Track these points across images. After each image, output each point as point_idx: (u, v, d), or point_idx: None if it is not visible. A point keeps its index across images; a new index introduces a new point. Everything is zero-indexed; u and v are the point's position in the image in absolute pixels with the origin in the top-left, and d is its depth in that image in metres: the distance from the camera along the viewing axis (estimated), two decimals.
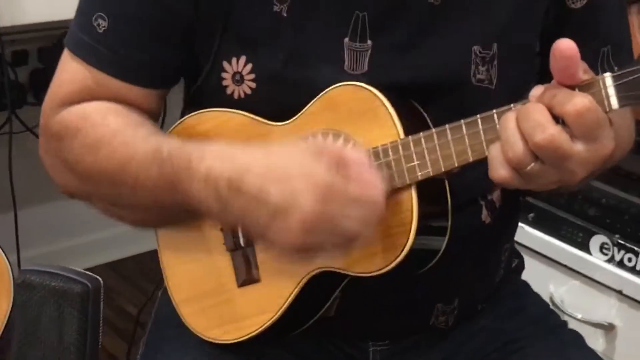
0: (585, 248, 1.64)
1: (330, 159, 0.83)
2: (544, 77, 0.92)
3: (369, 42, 0.97)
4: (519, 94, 0.89)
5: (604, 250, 1.61)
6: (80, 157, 0.98)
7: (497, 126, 0.85)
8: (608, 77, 0.80)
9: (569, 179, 0.82)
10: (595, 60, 1.00)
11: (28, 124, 2.02)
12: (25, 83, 2.07)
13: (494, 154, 0.82)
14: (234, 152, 0.88)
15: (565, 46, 0.78)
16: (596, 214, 1.64)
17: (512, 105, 0.85)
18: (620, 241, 1.59)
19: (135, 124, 0.98)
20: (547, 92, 0.81)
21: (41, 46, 2.03)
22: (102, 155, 0.96)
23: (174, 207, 0.93)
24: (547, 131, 0.78)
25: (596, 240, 1.62)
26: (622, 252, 1.58)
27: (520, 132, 0.80)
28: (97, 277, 1.06)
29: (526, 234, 1.67)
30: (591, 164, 0.81)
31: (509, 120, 0.81)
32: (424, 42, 0.98)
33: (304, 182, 0.81)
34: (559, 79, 0.81)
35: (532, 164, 0.80)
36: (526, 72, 1.03)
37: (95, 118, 0.98)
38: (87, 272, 1.06)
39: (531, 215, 1.69)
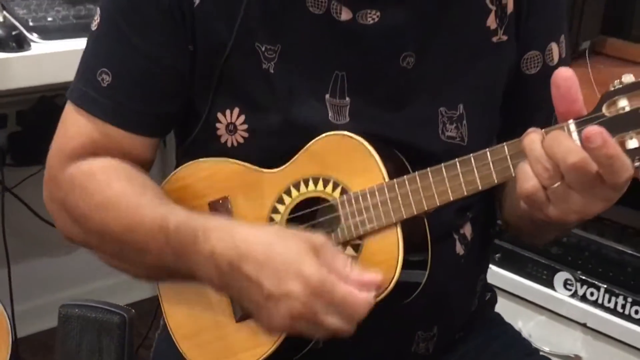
0: (550, 284, 1.73)
1: (323, 259, 0.91)
2: (504, 137, 1.02)
3: (347, 98, 1.05)
4: None
5: (568, 286, 1.70)
6: (88, 214, 1.05)
7: (475, 169, 0.94)
8: (572, 123, 0.88)
9: (589, 210, 0.87)
10: (548, 122, 1.03)
11: (7, 185, 2.07)
12: (4, 145, 2.11)
13: (524, 168, 0.88)
14: (238, 234, 0.95)
15: (563, 71, 0.86)
16: (558, 252, 1.73)
17: (487, 150, 0.93)
18: (582, 277, 1.68)
19: (139, 188, 1.05)
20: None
21: (19, 110, 2.08)
22: (109, 217, 1.03)
23: (177, 271, 1.01)
24: (580, 154, 0.84)
25: (560, 277, 1.72)
26: (585, 287, 1.68)
27: (549, 155, 0.86)
28: (130, 308, 1.13)
29: (494, 273, 1.75)
30: (609, 202, 0.87)
31: (535, 142, 0.87)
32: (396, 102, 1.06)
33: (296, 282, 0.90)
34: (564, 107, 0.87)
35: (559, 183, 0.86)
36: (492, 132, 1.12)
37: (101, 178, 1.05)
38: (120, 305, 1.13)
39: (498, 255, 1.78)
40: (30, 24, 1.65)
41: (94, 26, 1.08)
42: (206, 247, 0.95)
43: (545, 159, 0.86)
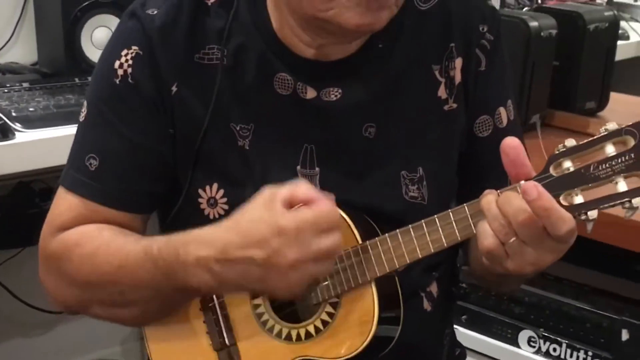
0: (515, 343, 1.81)
1: (282, 204, 0.99)
2: (463, 194, 1.12)
3: (317, 168, 1.15)
4: (445, 208, 1.07)
5: (532, 343, 1.79)
6: (81, 268, 1.12)
7: (440, 228, 1.04)
8: (524, 183, 0.97)
9: (542, 262, 0.97)
10: (502, 178, 1.10)
11: None
12: None
13: (483, 227, 0.98)
14: (210, 235, 1.04)
15: (510, 140, 0.97)
16: (521, 311, 1.82)
17: (449, 210, 1.03)
18: (545, 334, 1.77)
19: (125, 233, 1.13)
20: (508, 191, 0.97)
21: None
22: (100, 261, 1.10)
23: (171, 294, 1.08)
24: (528, 211, 0.94)
25: (524, 335, 1.80)
26: (548, 343, 1.76)
27: (503, 213, 0.96)
28: None
29: (461, 334, 1.82)
30: (559, 253, 0.97)
31: (491, 203, 0.97)
32: (362, 168, 1.16)
33: (276, 237, 0.98)
34: (514, 171, 0.97)
35: (514, 238, 0.95)
36: (450, 190, 1.22)
37: (91, 233, 1.13)
38: None
39: (464, 317, 1.86)
40: (13, 114, 1.72)
41: (81, 117, 1.17)
42: (189, 258, 1.03)
43: (500, 217, 0.96)
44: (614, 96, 2.35)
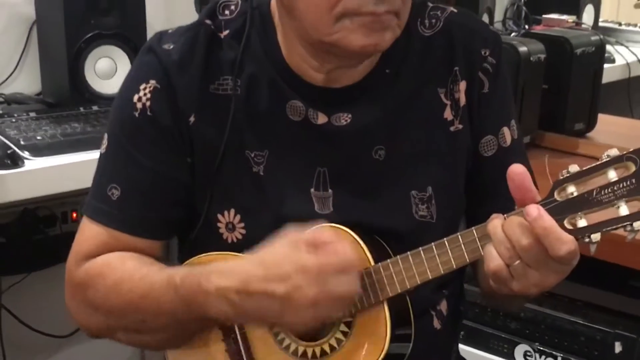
0: (511, 357, 1.86)
1: (306, 246, 1.04)
2: (471, 212, 1.16)
3: (330, 190, 1.20)
4: (454, 226, 1.13)
5: (528, 357, 1.84)
6: (106, 297, 1.16)
7: (449, 251, 1.09)
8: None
9: (546, 283, 1.02)
10: (503, 199, 1.12)
11: None
12: None
13: (489, 250, 1.03)
14: (233, 267, 1.09)
15: (515, 167, 1.02)
16: (517, 326, 1.87)
17: (458, 233, 1.08)
18: (540, 348, 1.82)
19: (148, 262, 1.18)
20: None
21: (3, 222, 2.14)
22: (125, 290, 1.15)
23: (190, 323, 1.13)
24: (532, 236, 0.99)
25: (520, 350, 1.85)
26: (543, 357, 1.81)
27: (508, 237, 1.01)
28: None
29: (459, 350, 1.88)
30: (562, 274, 1.02)
31: (497, 227, 1.02)
32: (373, 189, 1.21)
33: (299, 274, 1.03)
34: (519, 196, 1.02)
35: (518, 261, 1.00)
36: (458, 208, 1.27)
37: (116, 263, 1.18)
38: None
39: (462, 333, 1.91)
40: (22, 142, 1.77)
41: (102, 149, 1.22)
42: (210, 286, 1.07)
43: (505, 241, 1.01)
44: (602, 117, 2.43)
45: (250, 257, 1.09)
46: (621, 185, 1.00)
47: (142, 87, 1.18)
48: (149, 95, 1.17)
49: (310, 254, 1.04)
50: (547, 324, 1.84)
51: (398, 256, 1.13)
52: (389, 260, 1.13)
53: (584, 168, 1.03)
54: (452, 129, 1.24)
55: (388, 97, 1.21)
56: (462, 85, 1.23)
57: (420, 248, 1.11)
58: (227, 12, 1.22)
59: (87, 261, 1.20)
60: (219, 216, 1.21)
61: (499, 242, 1.02)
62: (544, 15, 3.17)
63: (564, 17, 3.13)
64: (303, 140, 1.20)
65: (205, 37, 1.19)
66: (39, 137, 1.81)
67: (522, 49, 2.09)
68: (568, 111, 2.27)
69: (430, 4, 1.26)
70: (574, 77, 2.24)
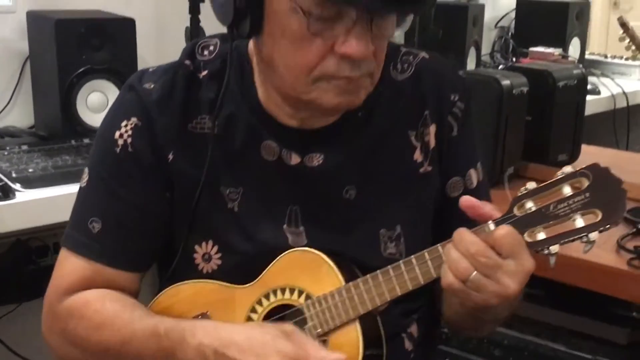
0: None
1: (297, 340, 1.10)
2: None
3: (301, 227, 1.24)
4: None
5: None
6: (86, 337, 1.20)
7: (416, 267, 1.13)
8: (491, 223, 1.09)
9: (505, 291, 1.06)
10: None
11: None
12: None
13: (444, 267, 1.08)
14: (220, 329, 1.14)
15: (464, 199, 1.10)
16: (501, 354, 1.90)
17: (425, 250, 1.13)
18: None
19: (130, 307, 1.21)
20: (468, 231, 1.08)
21: None
22: (106, 335, 1.18)
23: None
24: (481, 244, 1.05)
25: None
26: None
27: (460, 252, 1.06)
28: None
29: None
30: (518, 277, 1.06)
31: (449, 248, 1.08)
32: (343, 227, 1.25)
33: (276, 355, 1.08)
34: (477, 219, 1.09)
35: (474, 273, 1.05)
36: (426, 246, 1.28)
37: (96, 305, 1.21)
38: None
39: None
40: (14, 175, 1.81)
41: (83, 183, 1.26)
42: (193, 341, 1.12)
43: (458, 255, 1.07)
44: (586, 148, 2.47)
45: (241, 328, 1.15)
46: (576, 199, 1.07)
47: (123, 124, 1.22)
48: (130, 132, 1.22)
49: (294, 347, 1.09)
50: (530, 350, 1.87)
51: (368, 275, 1.17)
52: (359, 279, 1.17)
53: (541, 185, 1.09)
54: (421, 170, 1.28)
55: (360, 139, 1.25)
56: (432, 128, 1.28)
57: (389, 266, 1.15)
58: (205, 52, 1.27)
59: (68, 296, 1.23)
60: (197, 247, 1.25)
61: (452, 258, 1.07)
62: (531, 49, 3.24)
63: (550, 49, 3.20)
64: (276, 179, 1.24)
65: (184, 77, 1.24)
66: (30, 170, 1.86)
67: (505, 82, 2.13)
68: (551, 142, 2.31)
69: (404, 49, 1.31)
70: (556, 109, 2.28)
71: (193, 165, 1.22)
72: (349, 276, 1.19)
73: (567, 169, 1.10)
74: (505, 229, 1.06)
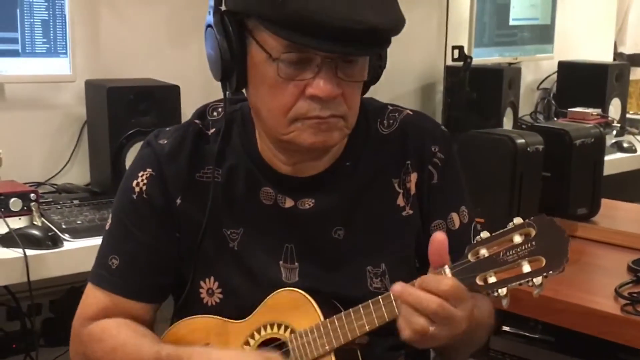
0: None
1: None
2: None
3: (296, 263, 1.40)
4: None
5: None
6: (104, 357, 1.38)
7: (383, 307, 1.26)
8: (447, 267, 1.22)
9: (456, 331, 1.18)
10: None
11: None
12: (38, 330, 2.37)
13: (400, 322, 1.20)
14: (211, 353, 1.31)
15: (439, 235, 1.22)
16: None
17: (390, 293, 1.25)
18: None
19: (141, 334, 1.39)
20: (421, 282, 1.20)
21: (52, 299, 2.39)
22: (119, 357, 1.37)
23: None
24: (436, 300, 1.17)
25: None
26: None
27: (414, 308, 1.18)
28: None
29: None
30: (467, 318, 1.18)
31: (403, 307, 1.20)
32: (333, 264, 1.40)
33: None
34: (434, 260, 1.21)
35: (432, 327, 1.17)
36: (410, 280, 1.40)
37: (112, 331, 1.39)
38: None
39: None
40: (63, 226, 2.03)
41: (107, 226, 1.45)
42: None
43: (413, 312, 1.19)
44: (609, 203, 2.57)
45: (233, 353, 1.32)
46: (524, 247, 1.19)
47: (140, 174, 1.42)
48: (145, 181, 1.41)
49: None
50: None
51: (343, 312, 1.31)
52: (335, 316, 1.31)
53: (494, 234, 1.22)
54: (403, 213, 1.43)
55: (347, 185, 1.41)
56: (414, 176, 1.42)
57: (360, 305, 1.29)
58: (215, 113, 1.46)
59: (90, 323, 1.42)
60: (201, 282, 1.42)
61: (408, 315, 1.20)
62: (570, 109, 3.36)
63: (589, 110, 3.31)
64: (273, 221, 1.41)
65: (194, 133, 1.43)
66: (79, 222, 2.07)
67: (520, 140, 2.26)
68: (570, 197, 2.42)
69: (390, 107, 1.47)
70: (574, 166, 2.40)
71: (199, 209, 1.40)
72: (330, 313, 1.33)
73: (517, 220, 1.22)
74: (451, 281, 1.18)
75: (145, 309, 1.44)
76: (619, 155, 3.32)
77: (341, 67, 1.27)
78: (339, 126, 1.31)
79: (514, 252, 1.19)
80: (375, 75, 1.37)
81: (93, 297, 1.43)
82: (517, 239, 1.19)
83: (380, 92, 1.39)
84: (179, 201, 1.41)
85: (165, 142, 1.43)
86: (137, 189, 1.41)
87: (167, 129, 1.47)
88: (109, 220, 1.46)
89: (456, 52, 3.09)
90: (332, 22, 1.19)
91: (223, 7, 1.33)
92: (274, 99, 1.29)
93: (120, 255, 1.42)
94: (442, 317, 1.17)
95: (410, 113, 1.47)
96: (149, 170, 1.41)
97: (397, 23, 1.26)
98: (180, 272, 1.44)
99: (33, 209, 2.03)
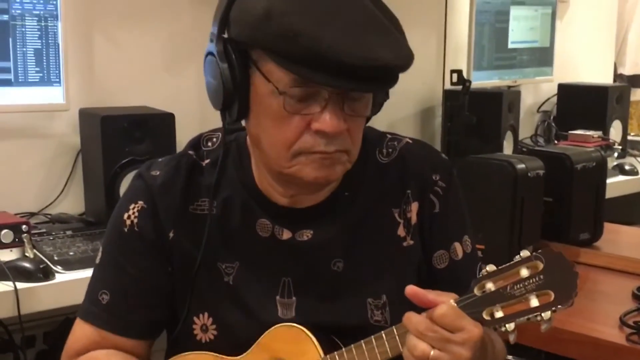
0: None
1: None
2: None
3: (294, 298, 1.36)
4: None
5: None
6: None
7: (386, 343, 1.23)
8: (452, 302, 1.18)
9: (459, 359, 1.16)
10: None
11: None
12: None
13: (405, 353, 1.19)
14: None
15: (408, 290, 1.20)
16: None
17: (394, 328, 1.23)
18: None
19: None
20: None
21: (46, 331, 2.34)
22: None
23: None
24: (427, 321, 1.16)
25: None
26: None
27: (412, 334, 1.17)
28: None
29: None
30: (469, 344, 1.15)
31: (408, 334, 1.19)
32: (332, 297, 1.36)
33: None
34: (423, 305, 1.19)
35: (432, 352, 1.15)
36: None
37: (101, 357, 1.36)
38: None
39: None
40: (55, 258, 1.99)
41: (97, 260, 1.41)
42: None
43: (415, 339, 1.18)
44: (611, 227, 2.54)
45: None
46: (531, 281, 1.16)
47: (131, 206, 1.38)
48: (136, 214, 1.37)
49: None
50: None
51: (344, 349, 1.27)
52: (336, 352, 1.27)
53: (500, 267, 1.19)
54: (404, 244, 1.39)
55: (346, 216, 1.37)
56: (414, 206, 1.39)
57: (362, 341, 1.26)
58: (209, 143, 1.42)
59: (77, 357, 1.38)
60: (195, 319, 1.38)
61: (410, 344, 1.18)
62: (570, 132, 3.33)
63: (590, 132, 3.29)
64: (270, 254, 1.37)
65: (187, 165, 1.39)
66: (71, 253, 2.04)
67: (520, 166, 2.24)
68: (572, 222, 2.40)
69: (389, 135, 1.44)
70: (575, 190, 2.37)
71: (192, 243, 1.36)
72: (330, 349, 1.29)
73: (524, 252, 1.19)
74: (442, 309, 1.16)
75: (137, 345, 1.40)
76: (621, 178, 3.28)
77: (348, 102, 1.24)
78: (342, 160, 1.28)
79: (521, 285, 1.17)
80: (378, 108, 1.34)
81: (82, 332, 1.40)
82: (525, 272, 1.17)
83: (378, 117, 1.35)
84: (171, 234, 1.37)
85: (158, 173, 1.39)
86: (128, 222, 1.38)
87: (160, 160, 1.43)
88: (99, 254, 1.42)
89: (455, 76, 3.06)
90: (345, 60, 1.17)
91: (226, 35, 1.29)
92: (277, 132, 1.26)
93: (110, 290, 1.38)
94: (438, 340, 1.15)
95: (410, 141, 1.44)
96: (140, 202, 1.38)
97: (408, 60, 1.23)
98: (173, 307, 1.40)
99: (25, 240, 2.00)
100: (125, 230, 1.38)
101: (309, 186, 1.31)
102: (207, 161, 1.40)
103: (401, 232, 1.39)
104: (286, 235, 1.36)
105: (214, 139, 1.42)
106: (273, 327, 1.33)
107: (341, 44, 1.17)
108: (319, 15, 1.18)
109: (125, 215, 1.38)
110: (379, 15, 1.23)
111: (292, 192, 1.35)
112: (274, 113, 1.24)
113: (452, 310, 1.17)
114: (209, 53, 1.30)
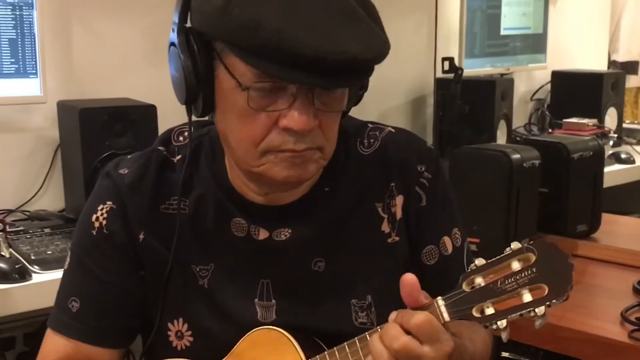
0: None
1: None
2: None
3: (273, 300, 1.28)
4: None
5: None
6: None
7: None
8: (440, 299, 1.12)
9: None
10: None
11: None
12: None
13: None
14: None
15: (409, 278, 1.11)
16: None
17: (378, 327, 1.15)
18: None
19: None
20: (398, 314, 1.11)
21: (26, 332, 2.27)
22: None
23: None
24: (401, 339, 1.08)
25: None
26: None
27: (383, 344, 1.09)
28: None
29: None
30: (441, 358, 1.08)
31: (374, 338, 1.11)
32: (314, 299, 1.28)
33: None
34: (408, 303, 1.12)
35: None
36: None
37: None
38: None
39: None
40: (32, 257, 1.91)
41: (66, 265, 1.33)
42: None
43: (382, 349, 1.10)
44: (608, 217, 2.47)
45: None
46: (523, 275, 1.09)
47: (99, 207, 1.30)
48: (105, 215, 1.29)
49: None
50: None
51: (326, 351, 1.20)
52: (318, 356, 1.20)
53: (490, 261, 1.11)
54: (389, 240, 1.31)
55: (327, 212, 1.29)
56: (399, 199, 1.31)
57: (345, 343, 1.18)
58: (181, 138, 1.34)
59: None
60: (169, 325, 1.30)
61: (377, 352, 1.11)
62: (565, 120, 3.26)
63: (584, 120, 3.21)
64: (246, 255, 1.29)
65: (157, 161, 1.31)
66: (49, 252, 1.95)
67: (515, 156, 2.16)
68: (569, 214, 2.32)
69: (371, 125, 1.36)
70: (572, 180, 2.30)
71: (164, 244, 1.28)
72: (312, 352, 1.22)
73: (515, 244, 1.11)
74: (422, 316, 1.09)
75: (110, 354, 1.32)
76: (617, 167, 3.20)
77: (318, 96, 1.15)
78: (315, 158, 1.20)
79: (512, 280, 1.09)
80: (356, 100, 1.25)
81: (53, 344, 1.31)
82: (516, 265, 1.09)
83: (368, 107, 1.27)
84: (142, 236, 1.29)
85: (126, 171, 1.31)
86: (96, 224, 1.29)
87: (128, 157, 1.35)
88: (67, 259, 1.34)
89: (446, 63, 2.98)
90: (309, 53, 1.07)
91: (189, 24, 1.20)
92: (243, 129, 1.17)
93: (80, 297, 1.30)
94: (404, 356, 1.09)
95: (392, 130, 1.36)
96: (109, 203, 1.29)
97: (379, 52, 1.13)
98: (147, 313, 1.32)
99: (0, 239, 1.91)
100: (94, 232, 1.29)
101: (281, 186, 1.23)
102: (178, 157, 1.32)
103: (385, 227, 1.31)
104: (263, 234, 1.28)
105: (186, 133, 1.33)
106: (252, 331, 1.25)
107: (306, 36, 1.08)
108: (283, 4, 1.09)
109: (94, 217, 1.30)
110: (351, 3, 1.13)
111: (266, 189, 1.27)
112: (239, 109, 1.16)
113: (431, 321, 1.10)
114: (172, 44, 1.21)
